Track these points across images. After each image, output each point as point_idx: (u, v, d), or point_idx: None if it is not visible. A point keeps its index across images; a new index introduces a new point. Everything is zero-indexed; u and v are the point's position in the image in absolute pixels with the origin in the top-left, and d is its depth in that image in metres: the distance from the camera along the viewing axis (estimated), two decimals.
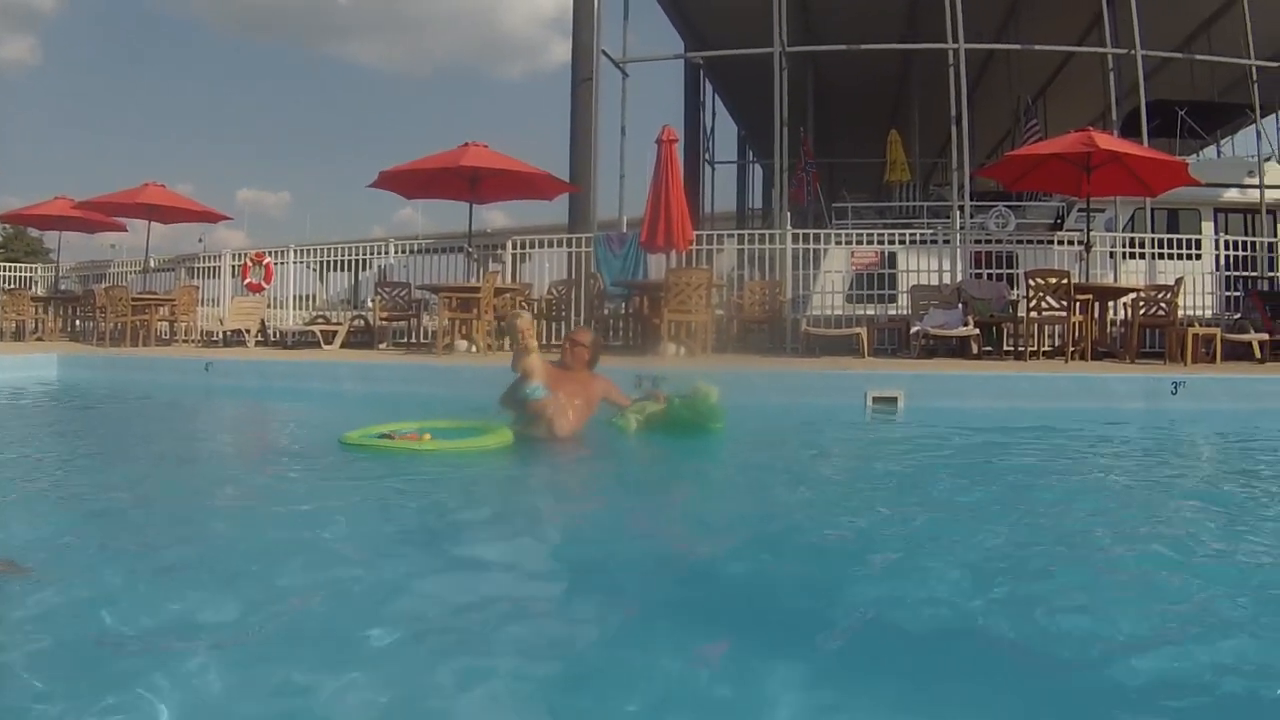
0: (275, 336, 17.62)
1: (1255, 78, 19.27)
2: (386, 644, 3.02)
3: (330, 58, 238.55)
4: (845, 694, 2.81)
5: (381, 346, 16.41)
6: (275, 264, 18.94)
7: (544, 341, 16.52)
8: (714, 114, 30.75)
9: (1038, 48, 20.31)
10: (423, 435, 6.82)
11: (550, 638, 3.29)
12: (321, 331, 16.46)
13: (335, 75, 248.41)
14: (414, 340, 17.07)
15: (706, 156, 30.22)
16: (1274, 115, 22.77)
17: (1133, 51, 18.02)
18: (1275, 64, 19.26)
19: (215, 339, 18.03)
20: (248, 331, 17.04)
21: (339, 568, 3.95)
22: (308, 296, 20.10)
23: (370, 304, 17.37)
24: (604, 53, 18.98)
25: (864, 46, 19.85)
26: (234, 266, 19.28)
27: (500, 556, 4.44)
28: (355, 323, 17.55)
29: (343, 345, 16.37)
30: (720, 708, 2.70)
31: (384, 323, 16.74)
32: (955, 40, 17.74)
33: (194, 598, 3.44)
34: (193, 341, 17.79)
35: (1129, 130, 18.29)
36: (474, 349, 14.76)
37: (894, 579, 4.05)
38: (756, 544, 4.68)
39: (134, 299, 17.52)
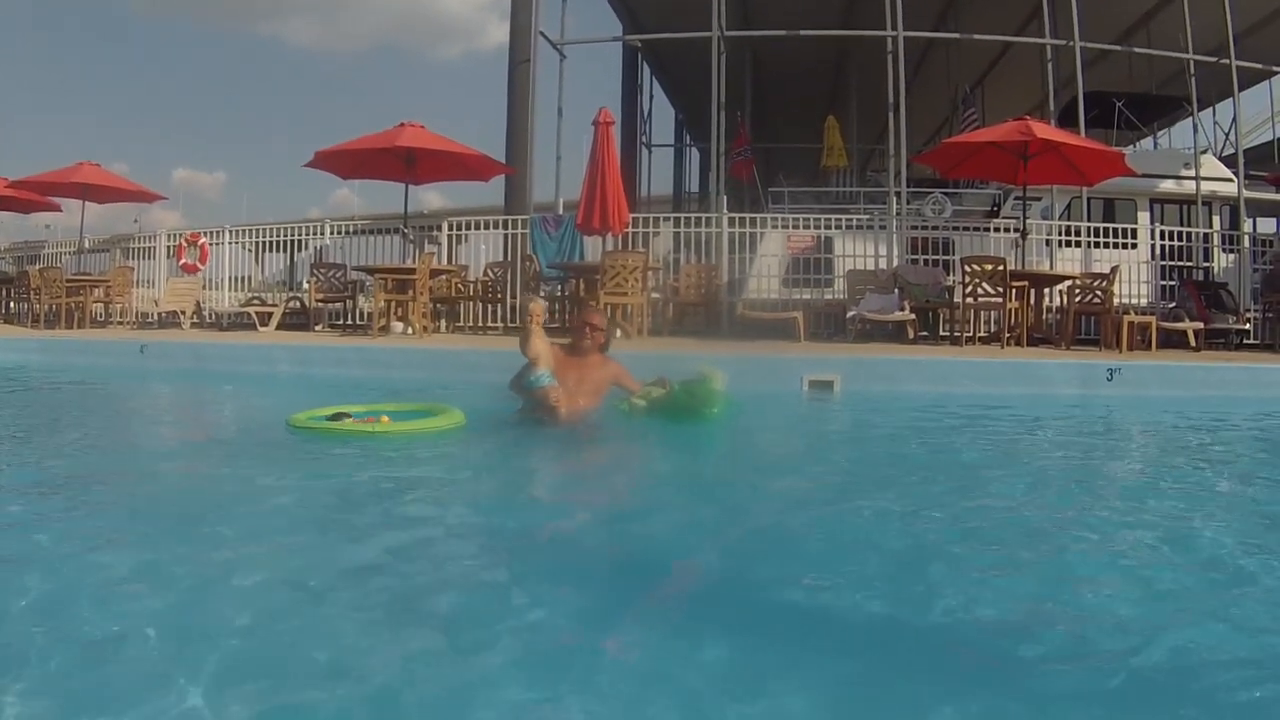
0: (211, 318, 17.34)
1: (1193, 72, 19.52)
2: (347, 637, 2.94)
3: (268, 36, 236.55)
4: (764, 677, 2.77)
5: (317, 328, 16.21)
6: (211, 245, 18.65)
7: (481, 323, 16.49)
8: (651, 97, 30.75)
9: (977, 37, 20.35)
10: (380, 418, 6.64)
11: (484, 620, 3.17)
12: (257, 313, 16.23)
13: (273, 54, 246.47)
14: (350, 322, 16.87)
15: (643, 139, 30.19)
16: (1211, 109, 23.02)
17: (1071, 43, 18.16)
18: (1213, 58, 19.50)
19: (150, 321, 17.75)
20: (183, 313, 16.76)
21: (297, 557, 3.82)
22: (243, 278, 19.79)
23: (306, 285, 17.14)
24: (542, 34, 18.84)
25: (803, 32, 19.84)
26: (169, 247, 18.95)
27: (455, 540, 4.33)
28: (291, 304, 17.32)
29: (278, 327, 16.14)
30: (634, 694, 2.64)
31: (319, 304, 16.53)
32: (894, 28, 17.79)
33: (139, 597, 3.26)
34: (128, 324, 17.43)
35: (1066, 120, 18.47)
36: (410, 331, 14.59)
37: (824, 563, 4.03)
38: (687, 530, 4.62)
39: (68, 280, 17.19)
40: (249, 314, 16.36)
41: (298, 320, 16.84)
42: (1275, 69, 22.62)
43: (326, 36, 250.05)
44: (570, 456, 6.78)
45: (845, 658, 2.94)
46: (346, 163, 16.99)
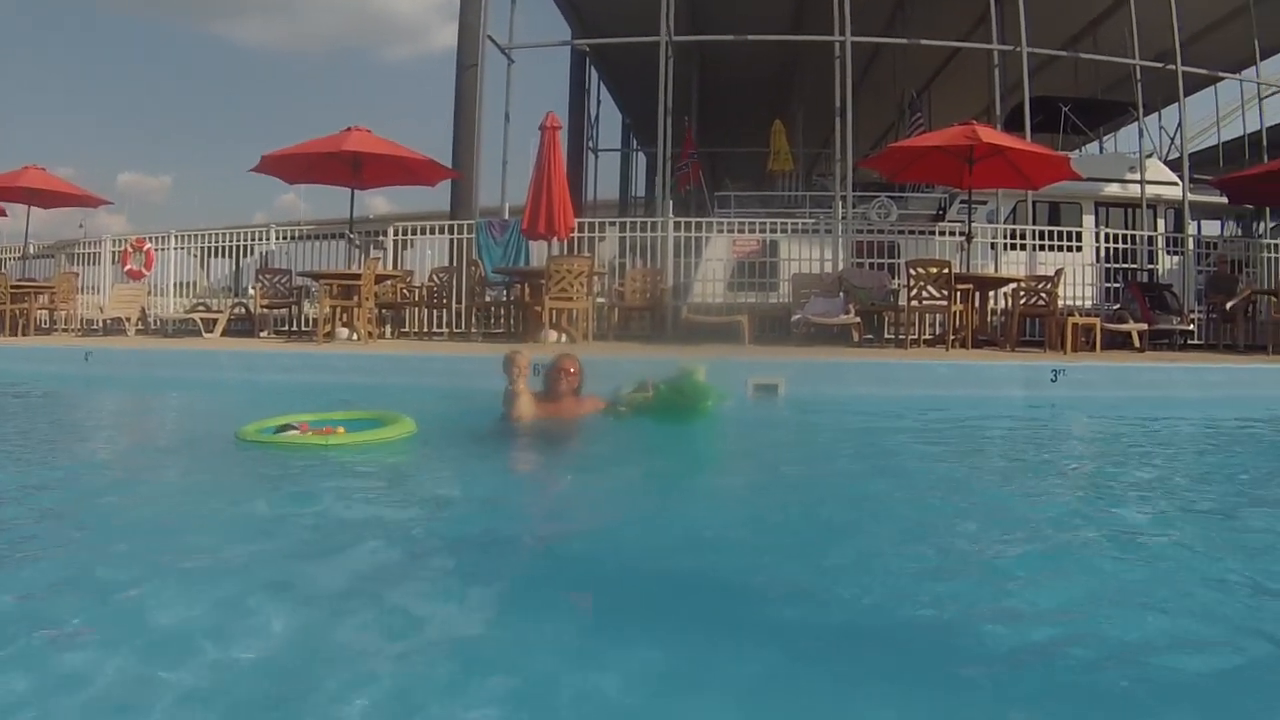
0: (156, 324, 17.16)
1: (1139, 77, 19.70)
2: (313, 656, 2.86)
3: (215, 37, 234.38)
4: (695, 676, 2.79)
5: (262, 334, 16.06)
6: (156, 250, 18.42)
7: (426, 329, 16.38)
8: (599, 101, 30.61)
9: (924, 42, 20.38)
10: (335, 429, 6.49)
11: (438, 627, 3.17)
12: (202, 319, 16.03)
13: (220, 56, 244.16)
14: (295, 328, 16.71)
15: (590, 144, 30.04)
16: (1157, 114, 23.19)
17: (1018, 48, 18.28)
18: (1159, 64, 19.66)
19: (95, 327, 17.48)
20: (128, 319, 16.51)
21: (246, 576, 3.68)
22: (189, 283, 19.57)
23: (251, 291, 16.97)
24: (490, 38, 18.71)
25: (750, 37, 19.87)
26: (114, 253, 18.72)
27: (414, 553, 4.19)
28: (236, 310, 17.12)
29: (224, 333, 15.96)
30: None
31: (265, 310, 16.36)
32: (842, 33, 17.80)
33: (76, 612, 3.18)
34: (73, 330, 17.23)
35: (1013, 125, 18.54)
36: (355, 337, 14.46)
37: (768, 564, 4.05)
38: (625, 533, 4.62)
39: (13, 286, 16.91)
40: (194, 320, 16.14)
41: (243, 326, 16.68)
42: (1220, 75, 22.89)
43: (276, 37, 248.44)
44: (524, 462, 6.73)
45: (763, 652, 2.94)
46: (293, 167, 16.82)
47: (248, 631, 3.02)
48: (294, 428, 6.41)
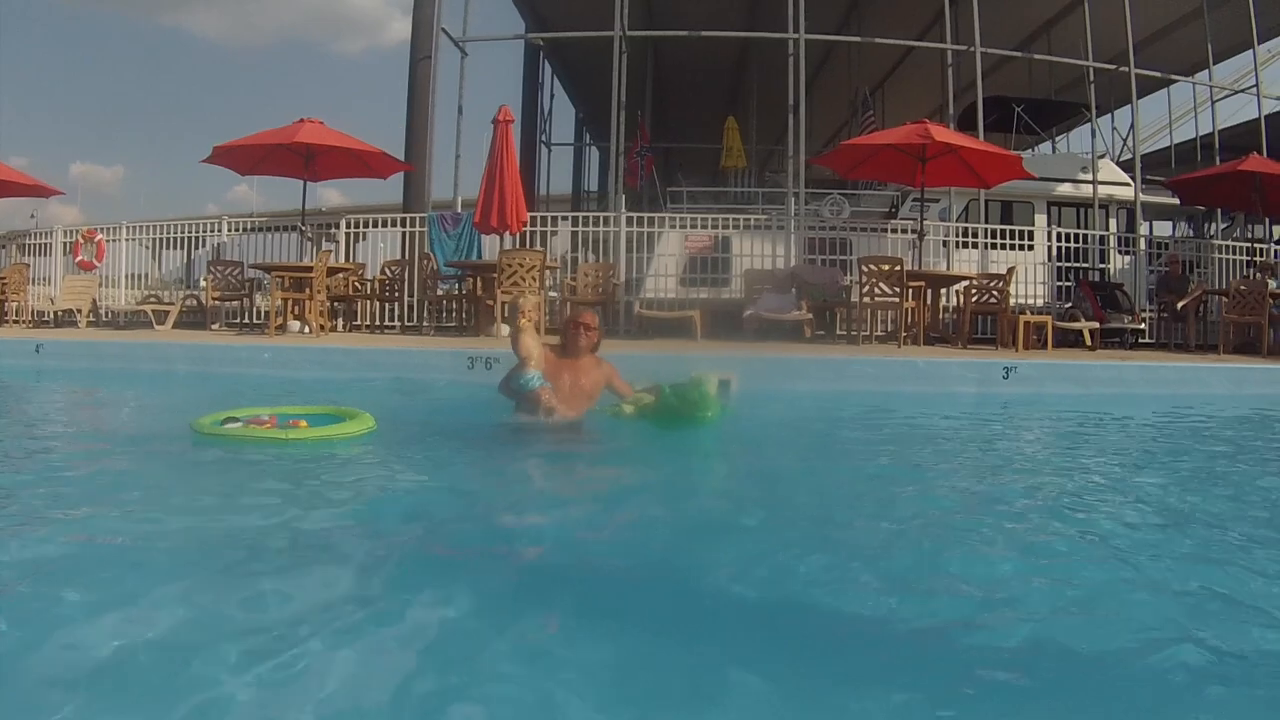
0: (107, 316, 16.98)
1: (1092, 78, 19.87)
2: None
3: (168, 28, 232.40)
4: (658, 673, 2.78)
5: (214, 327, 15.91)
6: (107, 241, 18.21)
7: (378, 322, 16.28)
8: (552, 95, 30.63)
9: (878, 41, 20.43)
10: (299, 422, 6.30)
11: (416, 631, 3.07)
12: (154, 311, 15.86)
13: (173, 46, 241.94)
14: (247, 321, 16.57)
15: (543, 138, 30.07)
16: (1110, 114, 23.37)
17: (972, 48, 18.36)
18: (1112, 66, 19.82)
19: (47, 319, 17.28)
20: (79, 311, 16.34)
21: (205, 574, 3.55)
22: (141, 275, 19.38)
23: (203, 283, 16.81)
24: (444, 31, 18.60)
25: (705, 33, 19.83)
26: (65, 244, 18.48)
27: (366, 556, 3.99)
28: (188, 303, 16.96)
29: (175, 325, 15.79)
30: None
31: (216, 303, 16.22)
32: (796, 30, 17.82)
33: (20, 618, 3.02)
34: (23, 322, 16.97)
35: (966, 124, 18.69)
36: (306, 330, 14.37)
37: (726, 561, 3.97)
38: (566, 531, 4.53)
39: None
40: (146, 312, 15.98)
41: (194, 319, 16.53)
42: (1174, 77, 23.09)
43: (230, 28, 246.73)
44: (488, 461, 6.42)
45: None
46: (245, 158, 16.71)
47: (186, 628, 2.96)
48: (237, 420, 6.20)
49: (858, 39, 21.32)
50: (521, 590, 3.57)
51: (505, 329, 13.95)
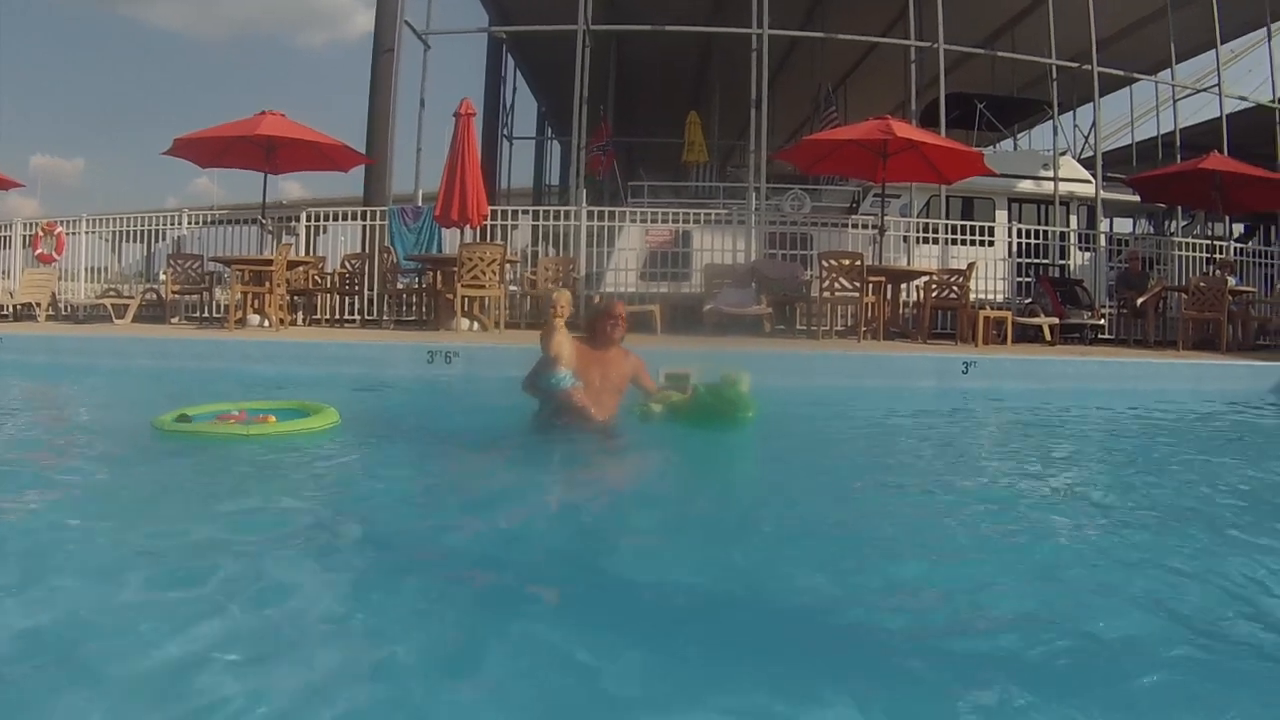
0: (67, 310, 16.80)
1: (1055, 76, 19.91)
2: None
3: (130, 19, 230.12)
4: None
5: (174, 321, 15.77)
6: (67, 234, 18.04)
7: (338, 315, 16.18)
8: (515, 89, 30.54)
9: (841, 37, 20.46)
10: (266, 417, 6.24)
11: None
12: (113, 305, 15.70)
13: (135, 37, 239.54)
14: (207, 314, 16.43)
15: (505, 132, 29.99)
16: (1072, 112, 23.46)
17: (935, 45, 18.41)
18: (1075, 64, 19.89)
19: (5, 313, 17.08)
20: (38, 305, 16.16)
21: (168, 573, 3.48)
22: (100, 269, 19.21)
23: (163, 277, 16.67)
24: (407, 23, 18.50)
25: (668, 27, 19.80)
26: (25, 237, 18.28)
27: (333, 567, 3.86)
28: (147, 296, 16.79)
29: (135, 319, 15.63)
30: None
31: (176, 296, 16.08)
32: (760, 25, 17.84)
33: None
34: None
35: (928, 120, 18.71)
36: (266, 324, 14.28)
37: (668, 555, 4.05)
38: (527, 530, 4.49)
39: None
40: (105, 306, 15.82)
41: (154, 313, 16.36)
42: (1136, 76, 23.23)
43: (190, 20, 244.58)
44: (444, 458, 6.34)
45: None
46: (206, 151, 16.49)
47: (144, 628, 2.90)
48: (190, 418, 6.13)
49: (821, 35, 21.35)
50: (484, 584, 3.57)
51: (465, 323, 13.94)
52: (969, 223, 17.77)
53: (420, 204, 17.12)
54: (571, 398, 6.31)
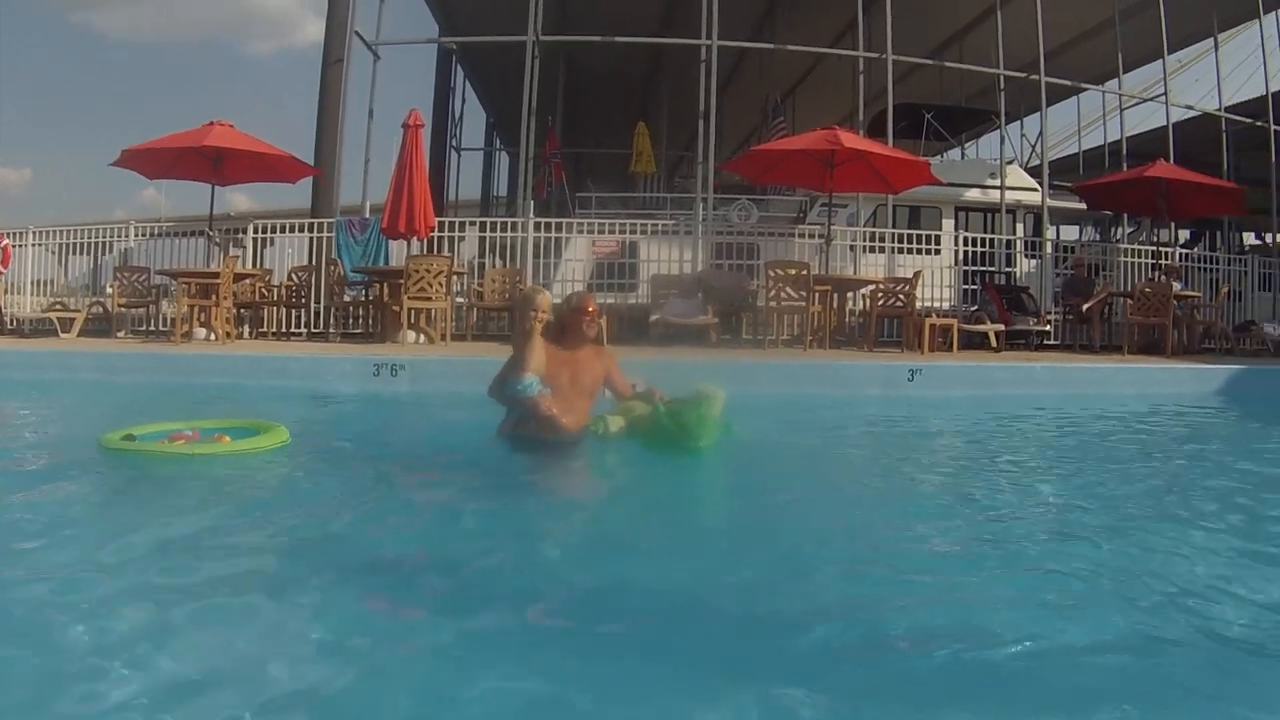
0: (12, 324, 16.60)
1: (1002, 86, 19.99)
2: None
3: (78, 26, 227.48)
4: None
5: (120, 335, 15.61)
6: (13, 246, 17.84)
7: (285, 328, 16.08)
8: (464, 100, 30.63)
9: (790, 48, 20.57)
10: (221, 437, 6.10)
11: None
12: (59, 319, 15.53)
13: (82, 46, 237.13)
14: (153, 328, 16.29)
15: (453, 142, 30.01)
16: (1019, 121, 23.62)
17: (884, 55, 18.47)
18: (1023, 74, 20.03)
19: None
20: None
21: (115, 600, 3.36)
22: (46, 281, 19.01)
23: (109, 290, 16.51)
24: (357, 33, 18.41)
25: (618, 38, 19.82)
26: None
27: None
28: (94, 310, 16.62)
29: (81, 333, 15.47)
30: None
31: (122, 309, 15.93)
32: (709, 37, 17.85)
33: None
34: None
35: (876, 130, 18.81)
36: (213, 337, 14.15)
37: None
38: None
39: None
40: (51, 320, 15.65)
41: (100, 326, 16.18)
42: (1083, 86, 23.49)
43: (140, 28, 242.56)
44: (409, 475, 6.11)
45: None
46: (153, 162, 16.37)
47: (83, 649, 2.85)
48: (134, 436, 5.98)
49: (770, 46, 21.50)
50: (438, 599, 3.53)
51: (412, 335, 13.87)
52: (916, 231, 17.90)
53: (368, 215, 17.08)
54: (538, 406, 6.04)
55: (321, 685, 2.69)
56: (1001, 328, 15.28)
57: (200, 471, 5.62)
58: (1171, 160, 18.54)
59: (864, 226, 18.15)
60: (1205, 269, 19.15)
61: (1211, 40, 22.98)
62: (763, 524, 4.91)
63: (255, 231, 17.22)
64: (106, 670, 2.68)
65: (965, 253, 17.98)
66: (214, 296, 14.09)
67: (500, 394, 6.23)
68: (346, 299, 16.08)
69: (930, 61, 22.00)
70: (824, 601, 3.53)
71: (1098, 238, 23.53)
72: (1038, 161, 20.95)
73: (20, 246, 17.99)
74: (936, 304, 17.01)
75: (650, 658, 2.94)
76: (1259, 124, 21.93)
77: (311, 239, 16.87)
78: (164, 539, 4.18)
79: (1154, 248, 19.41)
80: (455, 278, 14.92)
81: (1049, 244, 19.09)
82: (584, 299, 6.47)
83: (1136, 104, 23.71)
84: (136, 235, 17.84)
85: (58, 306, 16.98)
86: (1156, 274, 17.68)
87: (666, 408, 6.15)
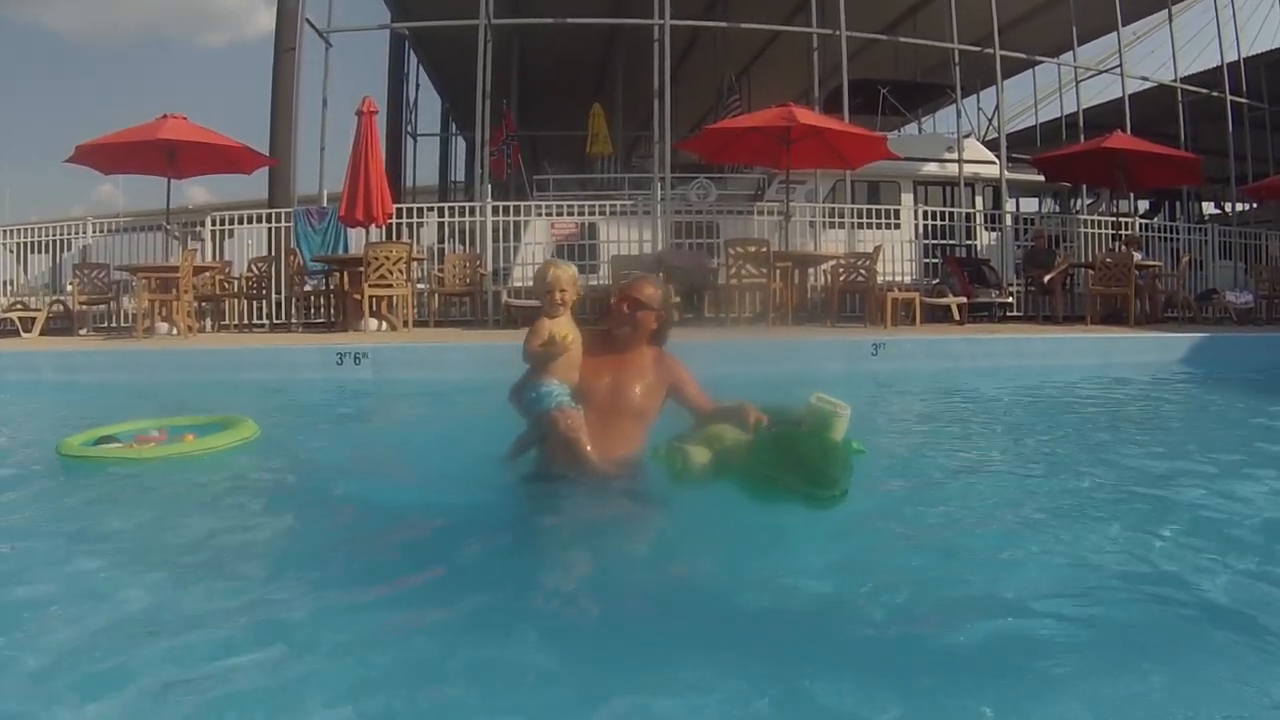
0: None
1: (958, 60, 20.02)
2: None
3: (25, 22, 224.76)
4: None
5: (82, 332, 15.46)
6: None
7: (246, 320, 15.98)
8: (418, 86, 30.52)
9: (744, 26, 20.61)
10: (188, 436, 5.85)
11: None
12: (20, 319, 15.38)
13: (32, 41, 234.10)
14: (114, 324, 16.16)
15: (409, 129, 29.91)
16: (975, 95, 23.70)
17: (837, 32, 18.47)
18: (977, 48, 20.05)
19: None
20: None
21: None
22: (6, 281, 18.82)
23: (69, 288, 16.37)
24: (308, 21, 18.27)
25: (571, 20, 19.83)
26: None
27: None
28: (55, 308, 16.46)
29: (43, 332, 15.33)
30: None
31: (83, 307, 15.78)
32: (661, 17, 17.83)
33: None
34: None
35: (831, 107, 18.82)
36: (175, 331, 14.05)
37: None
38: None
39: None
40: (13, 320, 15.50)
41: (61, 325, 16.04)
42: (1038, 59, 23.60)
43: (88, 21, 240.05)
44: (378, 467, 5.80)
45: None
46: (108, 157, 16.27)
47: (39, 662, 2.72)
48: (116, 440, 5.77)
49: (724, 24, 21.57)
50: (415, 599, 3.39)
51: (374, 323, 13.81)
52: (875, 206, 17.99)
53: (325, 204, 17.00)
54: (556, 424, 4.36)
55: (293, 685, 2.60)
56: (964, 300, 15.36)
57: (168, 473, 5.36)
58: (1128, 131, 18.65)
59: (823, 203, 18.21)
60: (1165, 239, 19.41)
61: (1166, 12, 23.11)
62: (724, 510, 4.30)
63: (213, 224, 17.10)
64: (72, 682, 2.59)
65: (925, 226, 18.04)
66: (174, 290, 14.01)
67: (519, 401, 4.58)
68: (307, 289, 16.02)
69: (884, 37, 22.07)
70: (793, 584, 3.47)
71: (1057, 209, 23.67)
72: (995, 135, 21.03)
73: None
74: (898, 278, 17.04)
75: (628, 649, 2.88)
76: (1215, 94, 22.09)
77: (270, 229, 16.79)
78: (114, 542, 4.06)
79: (1114, 218, 19.53)
80: (415, 264, 14.90)
81: (1009, 216, 19.20)
82: (632, 286, 4.65)
83: (1092, 76, 23.91)
84: (95, 231, 17.69)
85: (19, 306, 16.83)
86: (1117, 244, 17.80)
87: (775, 433, 4.10)
